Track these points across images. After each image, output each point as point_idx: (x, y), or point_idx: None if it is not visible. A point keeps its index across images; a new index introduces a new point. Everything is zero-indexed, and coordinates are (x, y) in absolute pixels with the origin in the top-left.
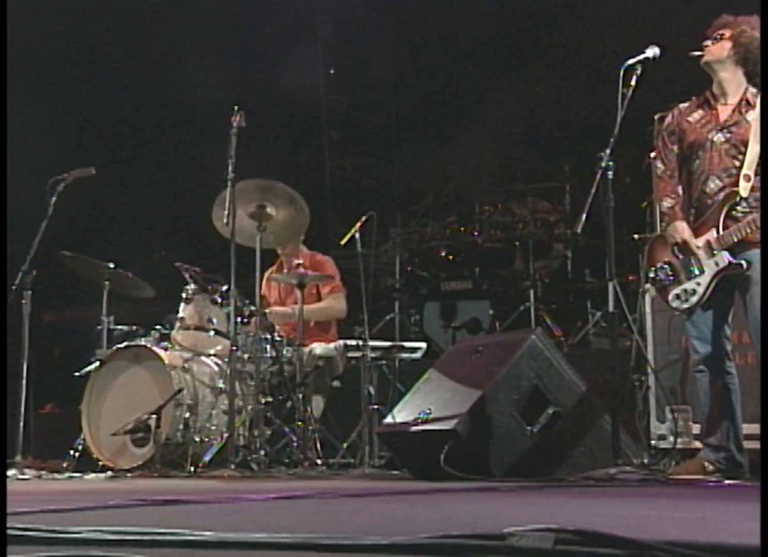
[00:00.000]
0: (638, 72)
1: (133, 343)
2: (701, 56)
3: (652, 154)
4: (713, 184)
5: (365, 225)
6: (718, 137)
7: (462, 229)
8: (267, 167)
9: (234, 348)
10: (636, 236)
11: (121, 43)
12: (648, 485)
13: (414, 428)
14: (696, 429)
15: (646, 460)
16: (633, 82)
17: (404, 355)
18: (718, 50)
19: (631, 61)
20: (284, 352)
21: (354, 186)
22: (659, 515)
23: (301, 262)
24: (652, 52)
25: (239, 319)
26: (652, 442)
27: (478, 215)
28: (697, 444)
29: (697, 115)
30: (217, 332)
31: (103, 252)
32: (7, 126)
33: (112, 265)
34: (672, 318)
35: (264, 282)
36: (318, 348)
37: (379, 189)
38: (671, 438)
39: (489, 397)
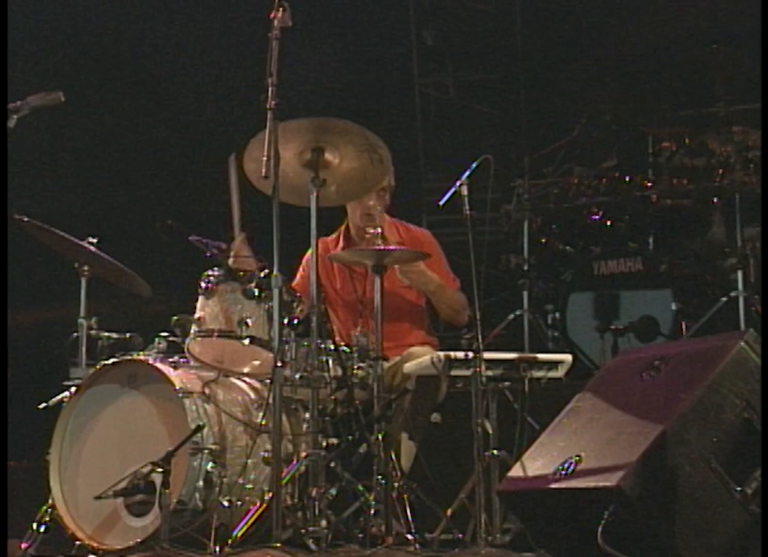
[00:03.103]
0: None
1: (127, 358)
2: None
3: None
4: None
5: (476, 175)
6: None
7: (627, 178)
8: (325, 88)
9: (280, 363)
10: None
11: None
12: None
13: (555, 485)
14: None
15: None
16: None
17: (538, 373)
18: None
19: None
20: (356, 370)
21: (458, 115)
22: None
23: (377, 230)
24: None
25: (288, 320)
26: None
27: (652, 155)
28: None
29: None
30: (254, 340)
31: (79, 221)
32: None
33: (93, 241)
34: None
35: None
36: (407, 362)
37: (497, 119)
38: None
39: (673, 438)
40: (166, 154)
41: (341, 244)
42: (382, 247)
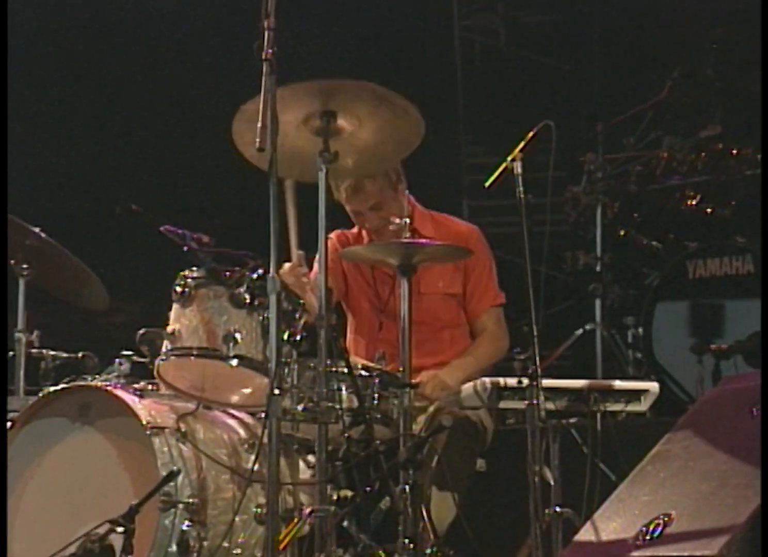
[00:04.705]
0: None
1: (78, 383)
2: None
3: None
4: None
5: (533, 147)
6: None
7: (734, 151)
8: (341, 35)
9: (277, 391)
10: None
11: None
12: None
13: (637, 553)
14: None
15: None
16: None
17: (614, 407)
18: None
19: None
20: (375, 401)
21: (510, 68)
22: None
23: (404, 221)
24: None
25: (289, 336)
26: None
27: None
28: None
29: None
30: (244, 360)
31: (19, 205)
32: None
33: (37, 231)
34: None
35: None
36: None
37: (562, 74)
38: None
39: None
40: (130, 117)
41: (366, 238)
42: (410, 240)
